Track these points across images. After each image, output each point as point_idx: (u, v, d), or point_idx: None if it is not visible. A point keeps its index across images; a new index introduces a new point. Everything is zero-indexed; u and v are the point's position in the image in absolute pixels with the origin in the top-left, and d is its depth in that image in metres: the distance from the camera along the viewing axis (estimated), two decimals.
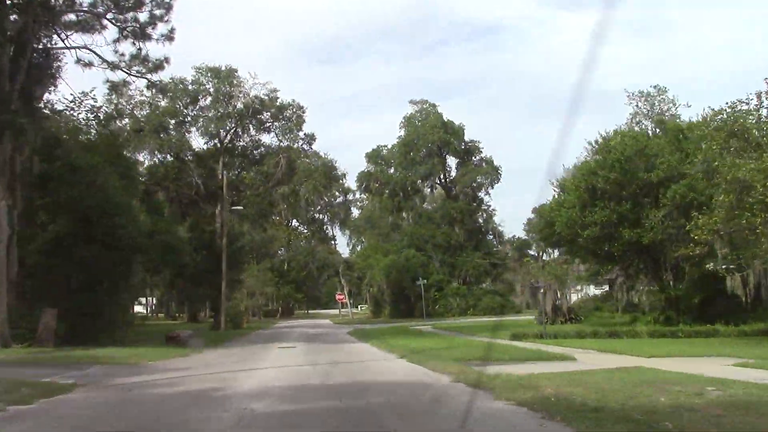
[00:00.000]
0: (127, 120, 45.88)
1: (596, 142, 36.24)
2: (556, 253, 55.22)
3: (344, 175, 50.64)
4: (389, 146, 71.80)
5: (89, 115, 31.63)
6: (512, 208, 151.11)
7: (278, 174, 50.82)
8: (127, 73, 30.49)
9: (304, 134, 50.53)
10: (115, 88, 33.03)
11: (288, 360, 20.18)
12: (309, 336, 36.72)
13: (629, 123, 43.37)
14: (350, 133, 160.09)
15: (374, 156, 71.08)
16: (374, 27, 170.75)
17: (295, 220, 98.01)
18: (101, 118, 33.47)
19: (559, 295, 40.69)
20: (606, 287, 45.08)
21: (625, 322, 34.60)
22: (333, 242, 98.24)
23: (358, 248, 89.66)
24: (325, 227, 51.26)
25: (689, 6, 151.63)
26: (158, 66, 30.56)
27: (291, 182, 49.94)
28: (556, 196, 34.76)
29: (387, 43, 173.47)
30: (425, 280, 60.83)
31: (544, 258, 65.71)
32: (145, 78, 31.76)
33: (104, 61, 28.89)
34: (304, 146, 50.56)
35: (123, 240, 26.21)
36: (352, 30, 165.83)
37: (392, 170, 70.43)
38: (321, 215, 52.53)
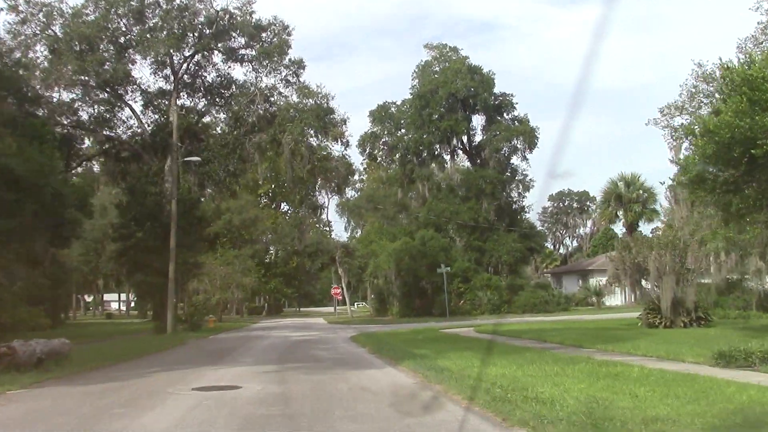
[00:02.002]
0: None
1: None
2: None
3: (344, 121, 36.01)
4: (399, 103, 57.66)
5: None
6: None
7: (252, 116, 36.60)
8: None
9: (290, 60, 36.28)
10: None
11: None
12: (288, 345, 22.63)
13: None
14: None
15: (380, 115, 56.84)
16: (368, 24, 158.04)
17: (284, 204, 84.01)
18: None
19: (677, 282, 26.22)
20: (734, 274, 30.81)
21: None
22: (326, 214, 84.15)
23: (358, 234, 75.38)
24: (317, 191, 37.57)
25: None
26: None
27: (271, 129, 35.69)
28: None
29: (381, 40, 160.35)
30: (448, 268, 46.73)
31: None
32: None
33: None
34: (289, 77, 36.30)
35: None
36: (345, 27, 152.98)
37: (403, 132, 56.07)
38: (312, 176, 38.14)
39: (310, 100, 35.82)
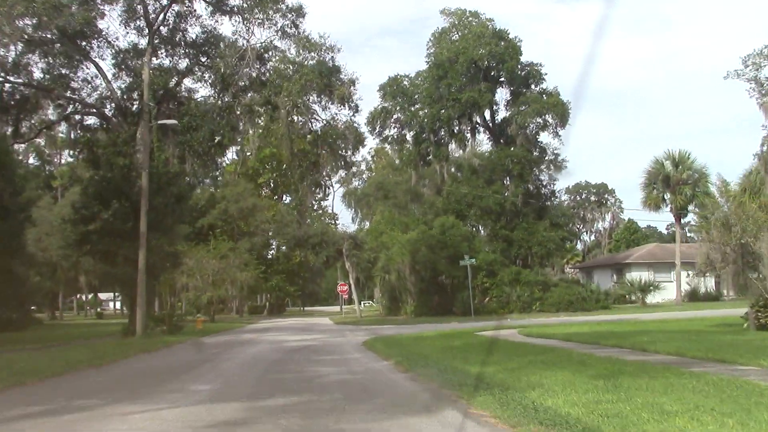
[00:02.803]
0: None
1: None
2: None
3: (353, 81, 29.65)
4: (413, 75, 51.23)
5: None
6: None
7: (243, 77, 30.36)
8: None
9: (287, 7, 29.99)
10: None
11: None
12: (279, 357, 16.36)
13: None
14: None
15: (391, 89, 50.47)
16: (372, 25, 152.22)
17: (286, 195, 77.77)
18: None
19: None
20: None
21: None
22: (331, 199, 78.04)
23: (366, 226, 69.16)
24: (321, 167, 31.18)
25: None
26: None
27: (265, 90, 29.45)
28: None
29: (385, 39, 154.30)
30: (473, 260, 40.37)
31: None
32: None
33: None
34: (287, 28, 30.01)
35: None
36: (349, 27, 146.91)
37: (417, 107, 49.62)
38: (315, 147, 31.64)
39: (312, 55, 29.52)
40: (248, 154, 68.79)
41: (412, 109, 49.20)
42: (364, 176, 77.70)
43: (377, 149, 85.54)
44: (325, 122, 31.13)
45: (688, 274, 46.08)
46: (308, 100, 29.92)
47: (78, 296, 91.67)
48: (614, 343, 16.10)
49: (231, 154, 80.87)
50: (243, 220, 62.49)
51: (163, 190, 28.45)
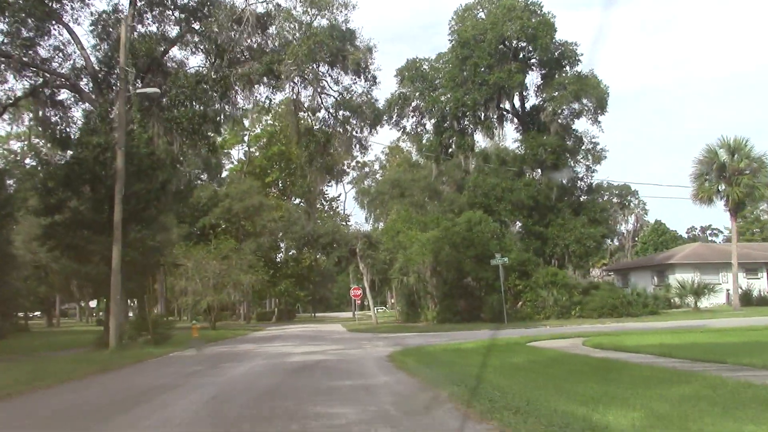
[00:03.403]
0: None
1: None
2: None
3: (370, 49, 24.91)
4: (433, 58, 46.49)
5: None
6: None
7: (240, 43, 25.80)
8: None
9: None
10: None
11: None
12: (273, 383, 11.45)
13: None
14: None
15: (410, 73, 45.78)
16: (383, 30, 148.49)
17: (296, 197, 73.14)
18: None
19: None
20: None
21: None
22: (342, 194, 73.47)
23: (380, 226, 64.37)
24: (333, 147, 26.47)
25: None
26: None
27: (266, 57, 24.87)
28: None
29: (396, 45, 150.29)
30: (506, 259, 35.53)
31: None
32: None
33: None
34: None
35: None
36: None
37: (440, 91, 44.85)
38: (324, 126, 26.84)
39: (324, 12, 24.83)
40: (251, 149, 64.45)
41: (433, 94, 44.42)
42: (377, 175, 72.98)
43: (392, 147, 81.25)
44: (338, 94, 26.41)
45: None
46: (317, 68, 25.24)
47: (82, 302, 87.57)
48: (749, 362, 11.28)
49: (237, 152, 76.98)
50: (248, 220, 58.02)
51: (146, 174, 23.90)
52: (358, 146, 27.85)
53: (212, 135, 26.50)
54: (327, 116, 27.72)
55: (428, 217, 53.90)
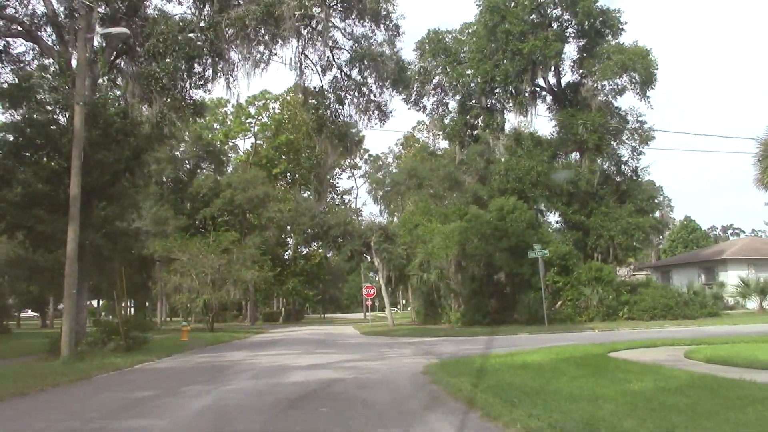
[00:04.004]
0: None
1: None
2: None
3: None
4: (458, 29, 41.65)
5: None
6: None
7: None
8: None
9: None
10: None
11: None
12: (266, 428, 6.50)
13: None
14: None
15: (432, 46, 40.96)
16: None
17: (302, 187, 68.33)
18: None
19: None
20: None
21: None
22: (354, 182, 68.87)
23: (395, 220, 59.59)
24: (346, 107, 21.92)
25: None
26: None
27: None
28: None
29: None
30: (546, 251, 30.65)
31: None
32: None
33: None
34: None
35: None
36: None
37: (465, 64, 39.90)
38: (335, 86, 22.04)
39: None
40: (257, 140, 59.63)
41: (458, 68, 39.49)
42: (392, 168, 68.01)
43: (407, 136, 76.36)
44: (352, 47, 21.58)
45: None
46: (327, 7, 20.45)
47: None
48: None
49: (243, 144, 71.84)
50: (252, 212, 53.38)
51: (116, 140, 19.22)
52: (376, 112, 22.95)
53: (199, 94, 21.69)
54: (340, 76, 22.89)
55: (450, 209, 49.06)
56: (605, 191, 36.69)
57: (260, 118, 70.37)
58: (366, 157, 77.89)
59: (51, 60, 21.65)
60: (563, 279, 33.40)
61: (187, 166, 52.41)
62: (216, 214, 50.53)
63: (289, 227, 52.39)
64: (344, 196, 78.52)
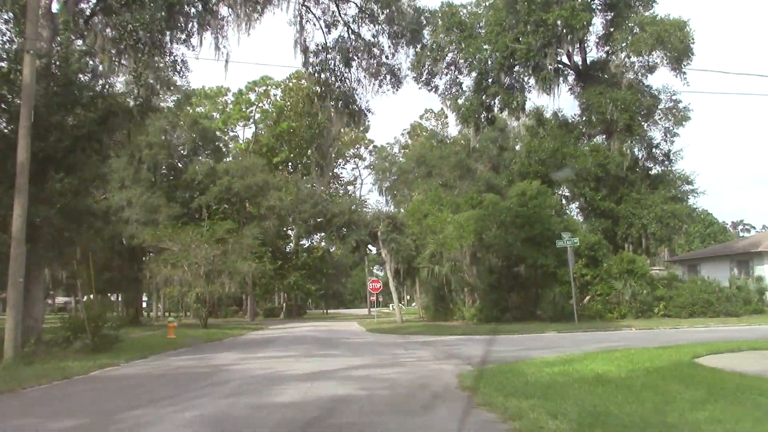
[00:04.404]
0: None
1: None
2: None
3: None
4: (474, 1, 38.33)
5: None
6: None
7: None
8: None
9: None
10: None
11: None
12: None
13: None
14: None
15: (445, 20, 37.73)
16: None
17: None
18: None
19: None
20: None
21: None
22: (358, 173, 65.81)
23: (402, 211, 56.43)
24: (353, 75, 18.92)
25: None
26: None
27: None
28: None
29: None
30: (576, 240, 27.48)
31: None
32: None
33: None
34: None
35: None
36: None
37: (482, 36, 36.61)
38: (341, 46, 18.78)
39: None
40: (258, 127, 56.11)
41: (474, 43, 36.18)
42: (399, 158, 64.73)
43: (414, 125, 72.98)
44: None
45: None
46: None
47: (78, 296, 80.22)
48: None
49: (242, 133, 68.55)
50: (251, 201, 50.22)
51: (78, 102, 16.03)
52: (389, 77, 19.76)
53: (181, 50, 18.43)
54: (347, 35, 19.68)
55: (462, 197, 45.86)
56: (634, 176, 33.43)
57: (261, 104, 67.23)
58: (371, 148, 74.71)
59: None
60: (592, 272, 30.18)
61: (182, 152, 49.14)
62: (212, 203, 47.36)
63: (290, 218, 49.04)
64: (348, 187, 75.38)
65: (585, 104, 34.05)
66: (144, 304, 63.72)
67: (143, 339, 24.72)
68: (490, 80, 36.87)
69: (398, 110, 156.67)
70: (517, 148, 52.25)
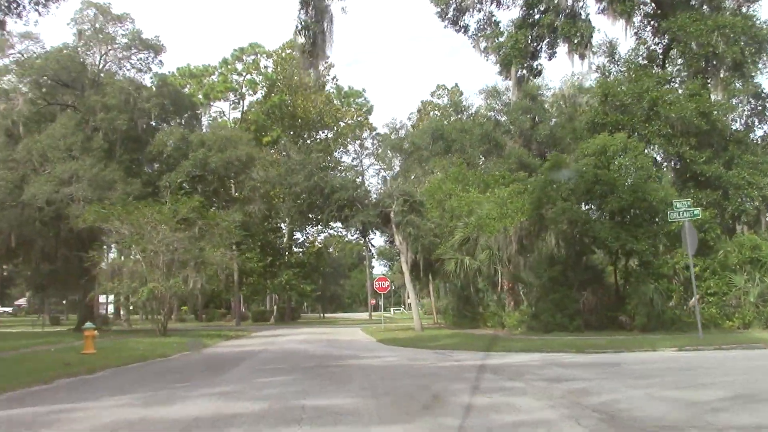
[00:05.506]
0: None
1: None
2: None
3: None
4: None
5: None
6: None
7: None
8: None
9: None
10: None
11: None
12: None
13: None
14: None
15: None
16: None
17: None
18: None
19: None
20: None
21: None
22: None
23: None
24: None
25: None
26: None
27: None
28: None
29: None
30: (697, 211, 18.58)
31: None
32: None
33: None
34: None
35: None
36: None
37: None
38: None
39: None
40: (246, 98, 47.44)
41: None
42: (409, 128, 55.85)
43: (425, 103, 63.86)
44: None
45: None
46: None
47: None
48: None
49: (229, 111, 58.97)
50: (234, 179, 41.26)
51: None
52: None
53: None
54: None
55: (490, 176, 37.04)
56: (743, 134, 24.55)
57: (249, 75, 58.35)
58: (374, 134, 65.60)
59: None
60: (700, 262, 21.21)
61: (148, 120, 39.85)
62: (184, 181, 38.41)
63: (281, 198, 39.99)
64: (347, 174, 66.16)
65: (674, 35, 25.09)
66: (111, 306, 54.91)
67: (38, 356, 15.86)
68: (537, 15, 28.04)
69: (400, 106, 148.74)
70: (553, 119, 43.46)
